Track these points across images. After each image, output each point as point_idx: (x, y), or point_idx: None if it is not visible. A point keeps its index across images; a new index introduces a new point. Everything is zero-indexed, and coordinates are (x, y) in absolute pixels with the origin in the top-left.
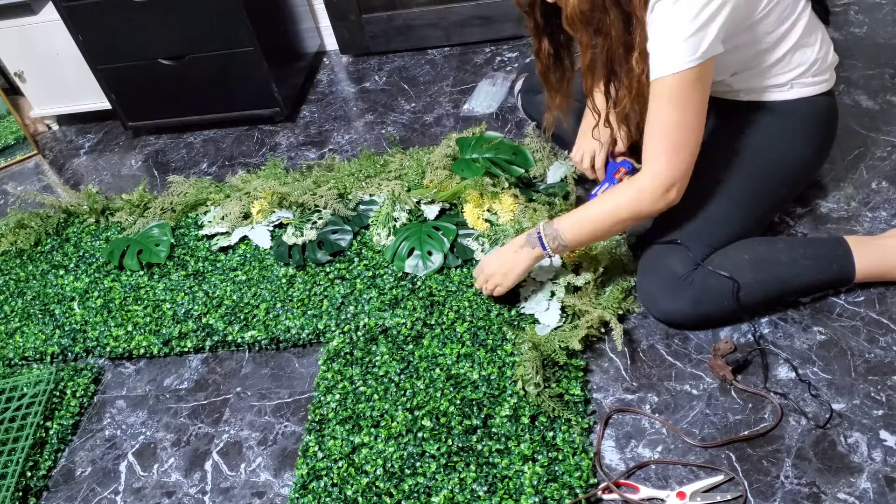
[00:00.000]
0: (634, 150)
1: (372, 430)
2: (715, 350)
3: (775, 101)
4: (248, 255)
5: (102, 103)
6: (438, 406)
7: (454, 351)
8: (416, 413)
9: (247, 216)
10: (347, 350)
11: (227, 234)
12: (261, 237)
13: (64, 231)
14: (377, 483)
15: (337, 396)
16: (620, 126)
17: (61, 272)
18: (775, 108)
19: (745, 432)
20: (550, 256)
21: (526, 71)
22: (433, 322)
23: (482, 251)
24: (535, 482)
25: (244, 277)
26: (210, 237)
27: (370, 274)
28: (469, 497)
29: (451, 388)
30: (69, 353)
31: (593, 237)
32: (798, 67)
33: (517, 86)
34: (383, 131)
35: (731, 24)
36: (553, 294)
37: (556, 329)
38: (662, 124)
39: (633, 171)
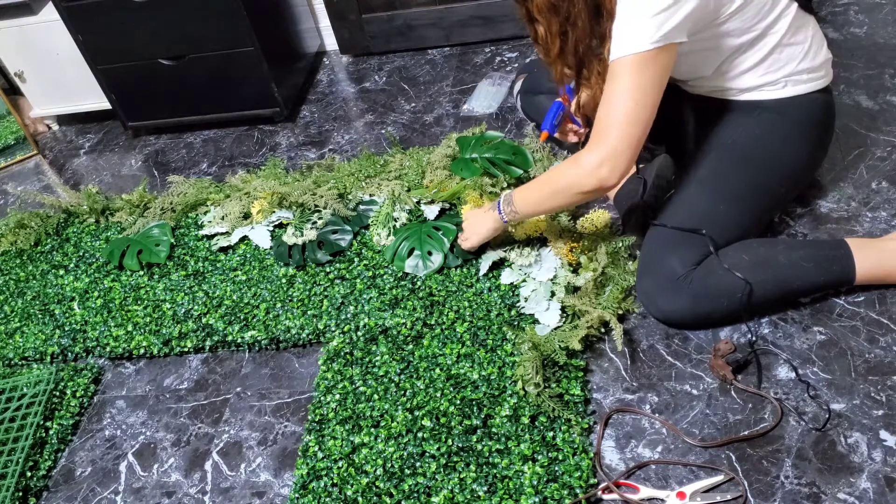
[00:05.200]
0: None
1: (372, 430)
2: (715, 350)
3: (771, 99)
4: (248, 255)
5: (102, 103)
6: (438, 406)
7: (454, 351)
8: (416, 413)
9: (247, 216)
10: (347, 350)
11: (227, 234)
12: (261, 237)
13: (64, 231)
14: (377, 483)
15: (337, 396)
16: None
17: (61, 272)
18: (771, 107)
19: (745, 432)
20: (506, 222)
21: (525, 71)
22: (433, 322)
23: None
24: (535, 482)
25: (244, 277)
26: (210, 237)
27: (370, 274)
28: (469, 497)
29: (451, 388)
30: (69, 353)
31: (538, 206)
32: (788, 65)
33: (517, 86)
34: (383, 131)
35: (699, 16)
36: (553, 294)
37: (556, 329)
38: (611, 104)
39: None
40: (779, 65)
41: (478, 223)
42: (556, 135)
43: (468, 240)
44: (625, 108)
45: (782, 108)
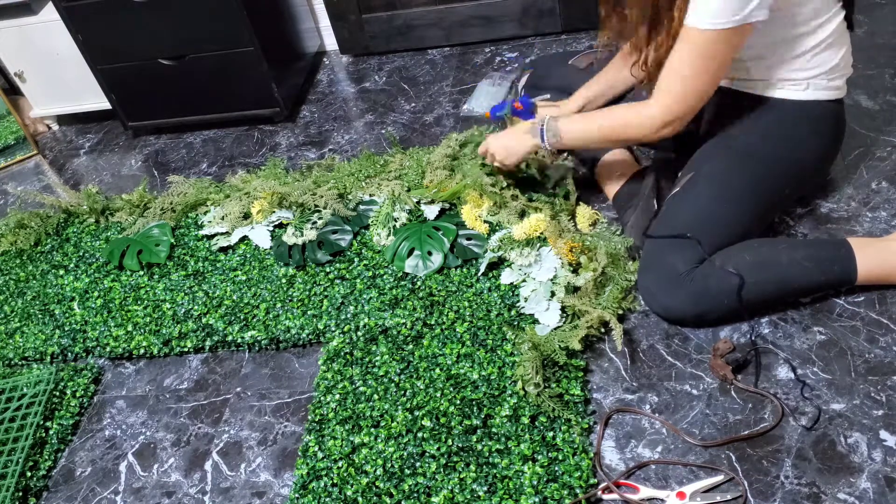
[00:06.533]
0: None
1: (372, 430)
2: (715, 350)
3: (788, 99)
4: (248, 255)
5: (102, 103)
6: (438, 406)
7: (454, 351)
8: (416, 413)
9: (247, 216)
10: (347, 350)
11: (227, 234)
12: (261, 237)
13: (64, 231)
14: (377, 483)
15: (337, 396)
16: (651, 70)
17: (61, 272)
18: (787, 107)
19: (745, 432)
20: (546, 149)
21: (531, 67)
22: (433, 322)
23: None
24: (535, 482)
25: (244, 277)
26: (210, 237)
27: (370, 274)
28: (469, 497)
29: (451, 388)
30: (69, 353)
31: (586, 143)
32: (819, 67)
33: (522, 81)
34: (383, 131)
35: None
36: (553, 294)
37: (556, 329)
38: (684, 68)
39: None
40: (812, 64)
41: (516, 145)
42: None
43: (506, 160)
44: (699, 78)
45: (797, 112)
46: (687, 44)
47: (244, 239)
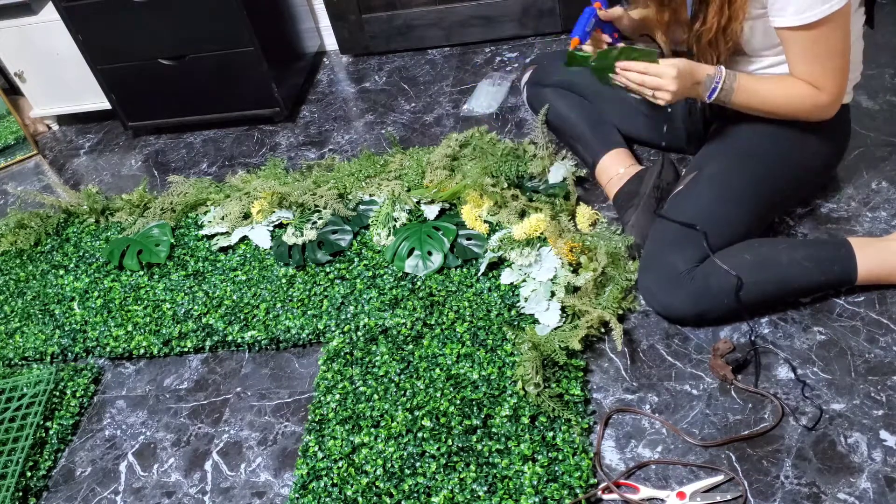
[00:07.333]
0: None
1: (372, 430)
2: (714, 350)
3: None
4: (248, 255)
5: (102, 103)
6: (438, 406)
7: (454, 351)
8: (416, 413)
9: (247, 216)
10: (347, 350)
11: (227, 234)
12: (261, 237)
13: (64, 231)
14: (377, 483)
15: (337, 396)
16: (704, 52)
17: (61, 272)
18: None
19: (745, 432)
20: (709, 99)
21: (534, 63)
22: (433, 322)
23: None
24: (535, 482)
25: (244, 277)
26: (210, 237)
27: (370, 274)
28: (469, 497)
29: (451, 388)
30: (69, 353)
31: (753, 107)
32: None
33: (525, 77)
34: (383, 131)
35: None
36: (553, 294)
37: (556, 329)
38: (830, 53)
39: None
40: None
41: (689, 91)
42: (587, 43)
43: (672, 96)
44: (842, 58)
45: None
46: (823, 32)
47: (244, 239)
